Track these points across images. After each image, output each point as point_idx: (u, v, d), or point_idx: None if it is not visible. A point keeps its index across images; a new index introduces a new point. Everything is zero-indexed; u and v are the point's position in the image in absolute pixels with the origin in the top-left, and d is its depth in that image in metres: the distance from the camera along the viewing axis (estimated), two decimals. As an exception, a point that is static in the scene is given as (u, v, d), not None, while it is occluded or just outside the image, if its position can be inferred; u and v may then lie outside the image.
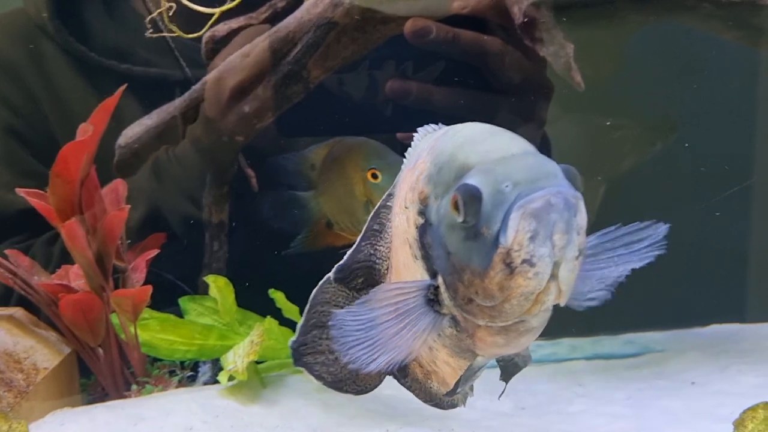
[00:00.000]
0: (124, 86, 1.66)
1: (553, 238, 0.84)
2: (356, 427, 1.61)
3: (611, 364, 2.10)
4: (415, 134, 1.15)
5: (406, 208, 1.06)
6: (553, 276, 0.87)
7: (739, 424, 1.23)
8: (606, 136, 2.36)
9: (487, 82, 1.74)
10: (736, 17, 1.83)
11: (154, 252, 1.78)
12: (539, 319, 0.96)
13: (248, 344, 1.66)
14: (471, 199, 0.88)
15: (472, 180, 0.89)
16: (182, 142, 1.79)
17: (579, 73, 1.55)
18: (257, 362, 1.87)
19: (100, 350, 1.74)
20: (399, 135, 1.92)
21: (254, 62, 1.62)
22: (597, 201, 2.22)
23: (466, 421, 1.68)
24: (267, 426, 1.55)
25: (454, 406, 1.30)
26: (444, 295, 0.98)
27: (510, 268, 0.86)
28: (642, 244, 1.05)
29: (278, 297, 1.89)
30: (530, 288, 0.87)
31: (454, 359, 1.12)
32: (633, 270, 1.06)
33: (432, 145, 1.04)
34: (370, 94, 1.83)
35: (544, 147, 1.95)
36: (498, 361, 1.16)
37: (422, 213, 1.00)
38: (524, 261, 0.85)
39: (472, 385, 1.23)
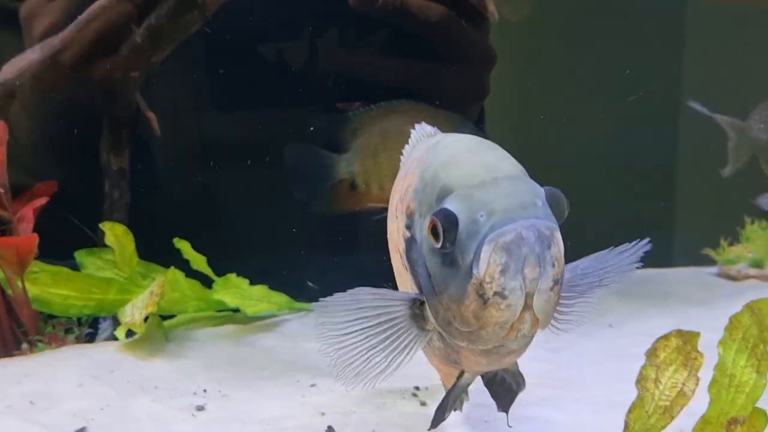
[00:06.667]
0: None
1: (524, 271, 0.83)
2: (265, 379, 1.54)
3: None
4: (412, 137, 1.10)
5: (396, 217, 1.03)
6: (528, 306, 0.86)
7: (651, 353, 1.20)
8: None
9: (431, 50, 1.71)
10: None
11: (43, 201, 1.65)
12: (519, 343, 0.94)
13: (147, 296, 1.55)
14: (448, 226, 0.86)
15: (450, 206, 0.87)
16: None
17: (492, 3, 1.49)
18: (164, 317, 1.77)
19: (-15, 307, 1.61)
20: (339, 105, 1.86)
21: None
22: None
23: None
24: (167, 380, 1.45)
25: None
26: (428, 312, 0.96)
27: (483, 299, 0.85)
28: (621, 262, 1.04)
29: (184, 247, 1.79)
30: (504, 318, 0.86)
31: (445, 367, 1.10)
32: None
33: (421, 156, 1.00)
34: (312, 64, 1.79)
35: (480, 117, 1.94)
36: (489, 389, 1.11)
37: (409, 227, 0.97)
38: (496, 293, 0.84)
39: (467, 391, 1.17)
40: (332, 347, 0.95)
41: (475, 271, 0.84)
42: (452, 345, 0.98)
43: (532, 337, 0.95)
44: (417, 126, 1.10)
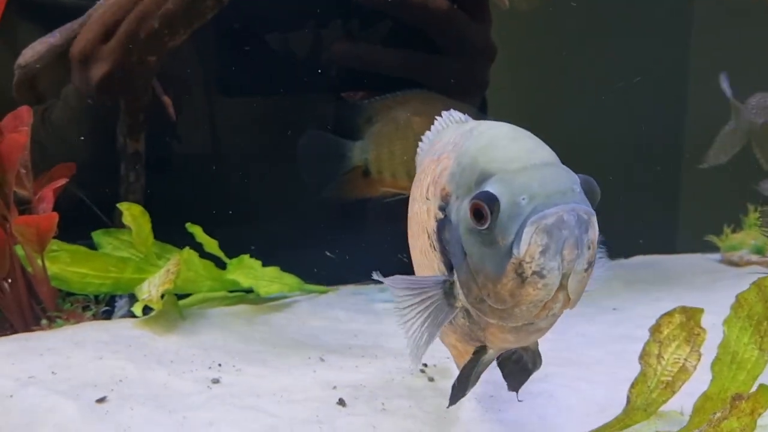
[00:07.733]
0: None
1: (563, 252, 0.88)
2: (277, 355, 1.57)
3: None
4: (438, 122, 1.15)
5: (427, 199, 1.07)
6: (562, 286, 0.90)
7: (655, 329, 1.23)
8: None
9: (432, 43, 1.75)
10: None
11: (63, 182, 1.69)
12: (548, 321, 1.00)
13: (164, 273, 1.59)
14: (491, 208, 0.90)
15: (491, 189, 0.91)
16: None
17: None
18: (179, 297, 1.81)
19: (6, 284, 1.65)
20: (344, 94, 1.90)
21: None
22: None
23: (390, 350, 1.66)
24: (183, 354, 1.49)
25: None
26: (458, 290, 1.01)
27: (521, 277, 0.90)
28: None
29: (196, 231, 1.83)
30: (539, 297, 0.91)
31: (461, 344, 1.14)
32: None
33: (456, 141, 1.04)
34: (316, 53, 1.82)
35: (482, 108, 1.97)
36: (502, 368, 1.16)
37: (443, 209, 1.01)
38: (534, 272, 0.89)
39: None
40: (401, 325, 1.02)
41: (515, 251, 0.88)
42: (479, 322, 1.02)
43: (559, 316, 0.99)
44: (444, 113, 1.14)
